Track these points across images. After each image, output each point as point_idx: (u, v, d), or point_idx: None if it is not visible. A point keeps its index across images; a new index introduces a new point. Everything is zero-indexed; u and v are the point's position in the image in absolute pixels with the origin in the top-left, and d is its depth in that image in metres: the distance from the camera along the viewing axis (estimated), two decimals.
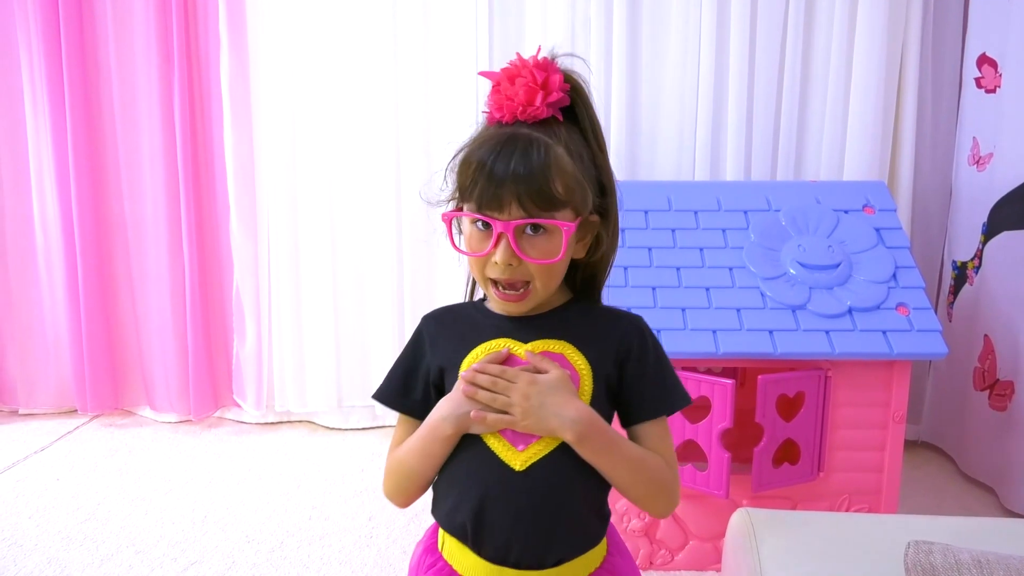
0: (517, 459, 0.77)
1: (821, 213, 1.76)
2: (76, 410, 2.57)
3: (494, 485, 0.77)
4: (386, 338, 2.45)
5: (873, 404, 1.62)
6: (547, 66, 0.77)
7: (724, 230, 1.76)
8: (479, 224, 0.77)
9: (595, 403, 0.78)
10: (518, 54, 0.78)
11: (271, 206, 2.43)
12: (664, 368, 0.82)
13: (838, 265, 1.67)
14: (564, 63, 0.79)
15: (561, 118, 0.79)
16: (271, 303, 2.49)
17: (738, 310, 1.62)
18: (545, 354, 0.79)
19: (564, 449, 0.77)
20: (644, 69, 2.28)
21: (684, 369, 1.57)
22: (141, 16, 2.33)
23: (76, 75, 2.37)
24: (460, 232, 0.82)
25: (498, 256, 0.76)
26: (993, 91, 2.11)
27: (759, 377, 1.53)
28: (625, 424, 0.83)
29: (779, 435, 1.58)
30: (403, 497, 0.83)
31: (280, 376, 2.53)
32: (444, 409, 0.78)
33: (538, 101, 0.76)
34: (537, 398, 0.75)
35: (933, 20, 2.22)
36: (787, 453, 1.64)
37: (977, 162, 2.15)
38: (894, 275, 1.66)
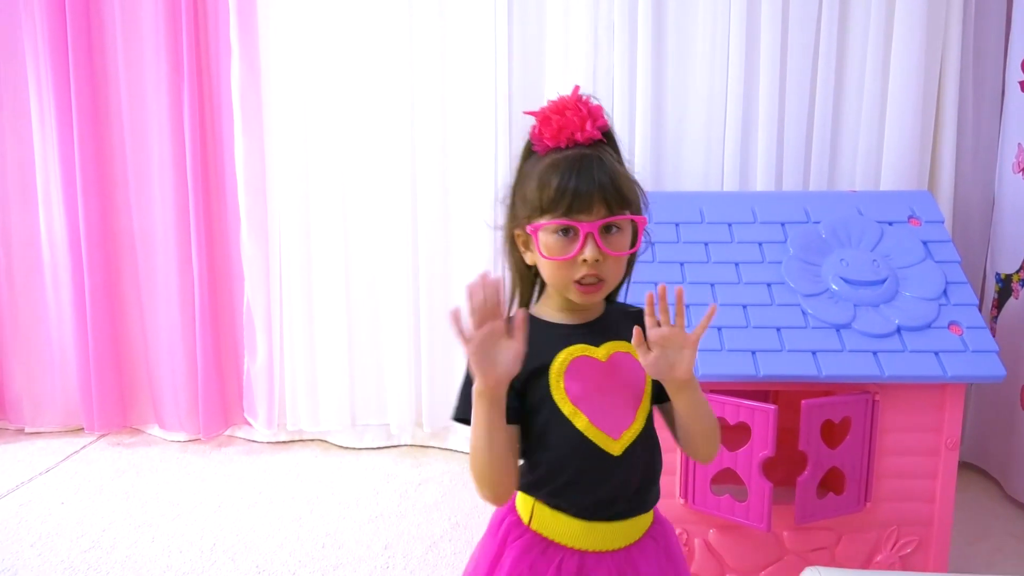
0: (615, 446, 0.90)
1: (864, 225, 1.66)
2: (83, 428, 2.50)
3: (598, 470, 0.90)
4: (401, 354, 2.36)
5: (924, 429, 1.51)
6: (586, 101, 0.92)
7: (760, 243, 1.66)
8: (560, 232, 0.88)
9: (653, 387, 0.94)
10: (559, 95, 0.93)
11: (283, 218, 2.36)
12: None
13: (884, 281, 1.57)
14: (593, 100, 0.94)
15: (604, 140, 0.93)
16: (283, 318, 2.41)
17: (778, 329, 1.52)
18: (616, 354, 0.93)
19: (645, 432, 0.94)
20: (670, 74, 2.18)
21: (720, 392, 1.47)
22: (150, 23, 2.27)
23: (83, 84, 2.30)
24: (526, 250, 0.93)
25: (587, 252, 0.87)
26: None
27: (803, 402, 1.43)
28: (665, 399, 0.96)
29: (824, 463, 1.48)
30: (496, 491, 0.89)
31: (292, 393, 2.44)
32: (477, 384, 0.86)
33: (589, 126, 0.90)
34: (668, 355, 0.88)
35: (975, 20, 2.11)
36: (831, 480, 1.53)
37: (1023, 170, 2.05)
38: (944, 291, 1.56)
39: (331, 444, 2.48)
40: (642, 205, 0.94)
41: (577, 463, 0.90)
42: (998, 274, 2.14)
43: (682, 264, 1.63)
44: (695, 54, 2.16)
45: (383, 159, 2.29)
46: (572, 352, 0.91)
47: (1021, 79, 2.04)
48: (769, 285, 1.59)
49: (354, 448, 2.46)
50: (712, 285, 1.59)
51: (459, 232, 2.30)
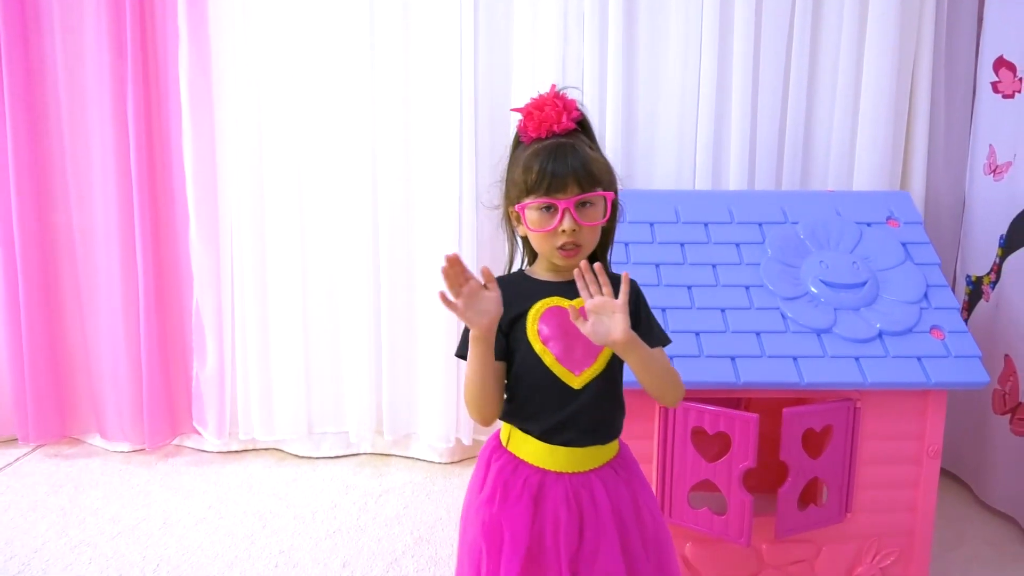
0: (575, 381, 1.06)
1: (842, 226, 1.61)
2: (16, 439, 2.33)
3: (560, 400, 1.06)
4: (361, 358, 2.25)
5: (906, 437, 1.47)
6: (562, 96, 1.08)
7: (738, 244, 1.60)
8: (543, 209, 1.04)
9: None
10: (540, 93, 1.09)
11: (235, 215, 2.23)
12: (652, 319, 1.12)
13: (864, 283, 1.52)
14: (570, 94, 1.09)
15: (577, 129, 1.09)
16: (235, 321, 2.28)
17: (758, 334, 1.46)
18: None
19: (605, 374, 1.08)
20: (641, 68, 2.12)
21: (699, 401, 1.40)
22: (91, 4, 2.12)
23: (16, 68, 2.14)
24: (518, 224, 1.09)
25: (565, 224, 1.03)
26: (1011, 96, 1.98)
27: (785, 411, 1.37)
28: None
29: (806, 473, 1.42)
30: (484, 413, 1.06)
31: (244, 401, 2.31)
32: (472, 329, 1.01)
33: (565, 119, 1.06)
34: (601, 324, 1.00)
35: (947, 21, 2.09)
36: (809, 491, 1.48)
37: (994, 171, 2.03)
38: (925, 294, 1.52)
39: (286, 453, 2.36)
40: (615, 183, 1.09)
41: (543, 392, 1.06)
42: (968, 276, 2.12)
43: (657, 266, 1.56)
44: (667, 49, 2.10)
45: (342, 153, 2.18)
46: (547, 302, 1.07)
47: (993, 80, 2.03)
48: (748, 288, 1.53)
49: (311, 457, 2.34)
50: (689, 288, 1.53)
51: (423, 230, 2.21)
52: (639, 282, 1.40)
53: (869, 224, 1.63)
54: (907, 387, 1.40)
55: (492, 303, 1.00)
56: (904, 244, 1.59)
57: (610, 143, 2.07)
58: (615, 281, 1.01)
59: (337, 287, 2.26)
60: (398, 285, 2.22)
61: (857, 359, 1.42)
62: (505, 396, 1.08)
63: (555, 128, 1.05)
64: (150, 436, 2.29)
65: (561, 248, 1.04)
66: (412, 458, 2.33)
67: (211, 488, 2.13)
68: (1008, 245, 1.95)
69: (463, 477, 2.20)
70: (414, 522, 1.96)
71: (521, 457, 1.07)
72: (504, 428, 1.11)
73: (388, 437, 2.31)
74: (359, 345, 2.25)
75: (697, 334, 1.45)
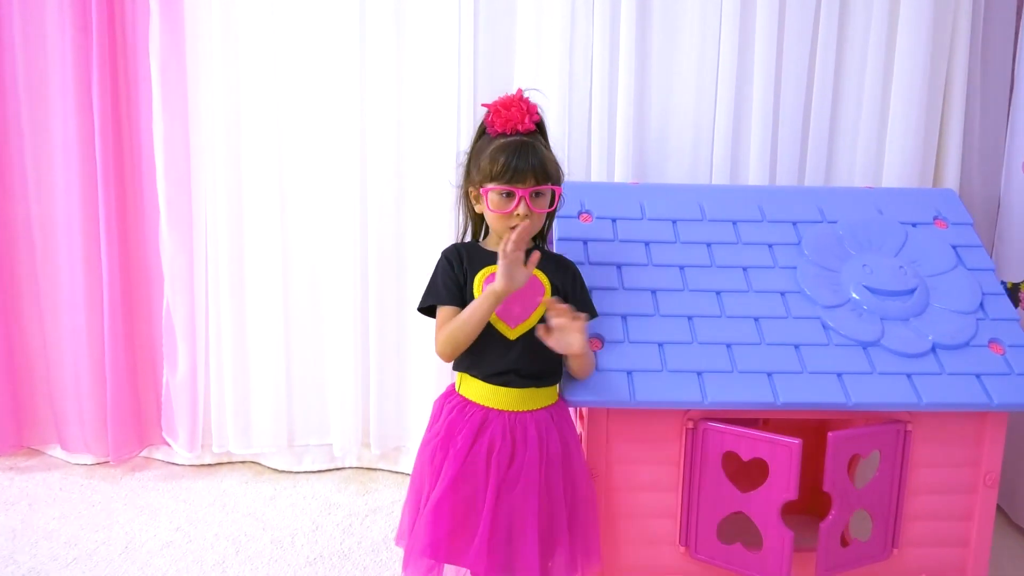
0: (511, 333, 1.24)
1: (885, 226, 1.45)
2: None
3: (499, 347, 1.24)
4: (347, 365, 2.07)
5: (961, 464, 1.31)
6: (526, 100, 1.27)
7: (771, 245, 1.44)
8: (504, 195, 1.23)
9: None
10: (507, 94, 1.29)
11: (210, 209, 2.03)
12: (587, 293, 1.30)
13: (913, 291, 1.36)
14: (533, 97, 1.29)
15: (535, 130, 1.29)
16: (208, 324, 2.09)
17: (796, 347, 1.29)
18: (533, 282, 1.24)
19: (536, 327, 1.22)
20: (655, 55, 1.94)
21: (730, 422, 1.23)
22: None
23: None
24: (477, 203, 1.29)
25: (520, 209, 1.22)
26: None
27: (830, 435, 1.21)
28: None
29: (852, 505, 1.26)
30: (455, 352, 1.24)
31: (219, 410, 2.12)
32: (496, 284, 1.19)
33: (527, 120, 1.26)
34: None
35: (985, 9, 1.94)
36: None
37: None
38: (981, 304, 1.36)
39: (264, 467, 2.17)
40: (561, 179, 1.30)
41: (486, 341, 1.24)
42: (1003, 283, 1.97)
43: (682, 268, 1.39)
44: (683, 34, 1.93)
45: (330, 143, 1.99)
46: (491, 268, 1.24)
47: None
48: (783, 294, 1.37)
49: (291, 472, 2.15)
50: (718, 293, 1.36)
51: (415, 229, 2.03)
52: (662, 287, 1.34)
53: (915, 224, 1.47)
54: (966, 408, 1.24)
55: (522, 276, 1.20)
56: (955, 247, 1.43)
57: (620, 133, 1.90)
58: (570, 268, 1.30)
59: (321, 288, 2.08)
60: (388, 286, 2.04)
61: (909, 376, 1.26)
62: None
63: (519, 127, 1.25)
64: (115, 448, 2.10)
65: (514, 228, 1.21)
66: (401, 473, 2.15)
67: (180, 507, 1.95)
68: None
69: None
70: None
71: (469, 398, 1.26)
72: (457, 377, 1.31)
73: (376, 450, 2.13)
74: (345, 350, 2.06)
75: (728, 346, 1.29)
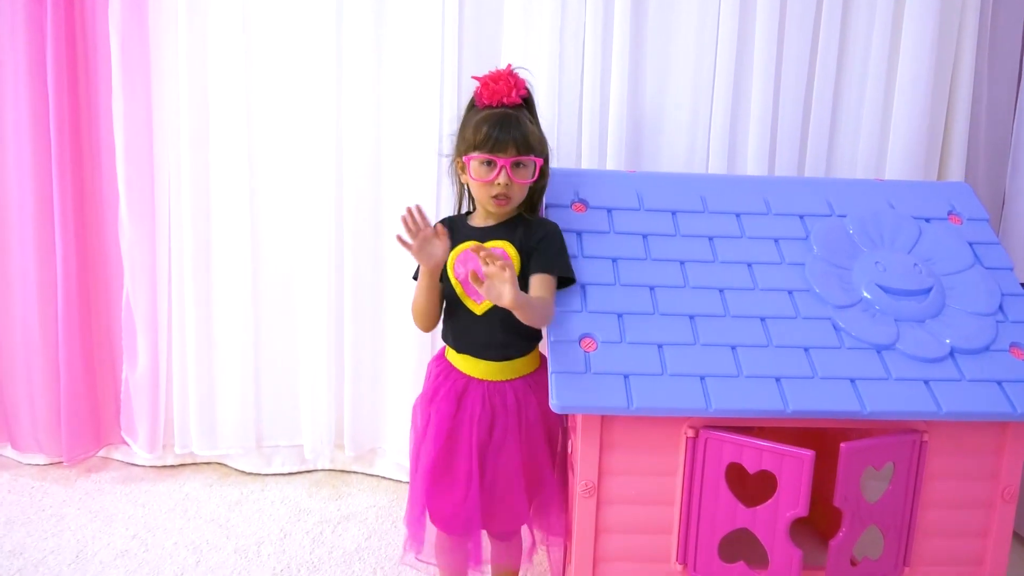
0: (478, 309, 1.30)
1: (898, 221, 1.36)
2: None
3: (468, 323, 1.31)
4: (320, 361, 1.94)
5: (977, 477, 1.22)
6: (515, 75, 1.31)
7: (777, 240, 1.34)
8: (485, 164, 1.26)
9: (522, 271, 1.27)
10: (497, 68, 1.32)
11: (174, 193, 1.90)
12: (560, 251, 1.28)
13: (929, 290, 1.27)
14: (521, 73, 1.33)
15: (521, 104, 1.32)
16: (171, 316, 1.96)
17: (807, 350, 1.20)
18: (495, 248, 1.26)
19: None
20: (650, 37, 1.84)
21: (735, 431, 1.14)
22: None
23: None
24: (463, 173, 1.32)
25: (500, 178, 1.25)
26: None
27: (843, 446, 1.11)
28: (529, 273, 1.27)
29: (863, 521, 1.16)
30: (420, 323, 1.35)
31: (182, 408, 2.00)
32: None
33: (514, 94, 1.29)
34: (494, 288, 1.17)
35: (992, 2, 1.86)
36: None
37: None
38: (1000, 305, 1.27)
39: (231, 469, 2.05)
40: (546, 152, 1.31)
41: (457, 315, 1.31)
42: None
43: (683, 263, 1.29)
44: (681, 15, 1.82)
45: (303, 126, 1.87)
46: (464, 246, 1.29)
47: None
48: (791, 292, 1.27)
49: (259, 474, 2.03)
50: (721, 291, 1.26)
51: (393, 216, 1.90)
52: (662, 283, 1.30)
53: (928, 220, 1.38)
54: (988, 418, 1.16)
55: (439, 249, 1.25)
56: (971, 244, 1.34)
57: (613, 119, 1.80)
58: (546, 227, 1.29)
59: (294, 279, 1.95)
60: (364, 279, 1.92)
61: (927, 382, 1.17)
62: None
63: (505, 100, 1.28)
64: (69, 447, 1.97)
65: (495, 197, 1.26)
66: (377, 476, 2.04)
67: (138, 512, 1.82)
68: None
69: None
70: (378, 557, 1.67)
71: (455, 365, 1.32)
72: (445, 345, 1.38)
73: (349, 452, 2.01)
74: (318, 345, 1.94)
75: (733, 348, 1.19)
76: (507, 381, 1.28)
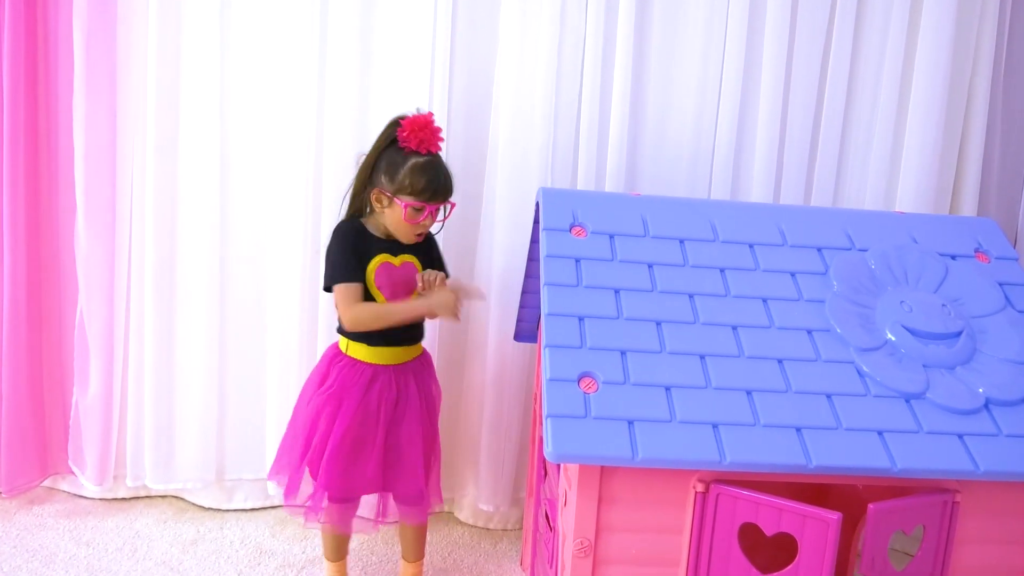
0: None
1: (922, 258, 1.26)
2: None
3: None
4: (289, 391, 1.80)
5: (1012, 540, 1.11)
6: (434, 121, 1.44)
7: (794, 274, 1.23)
8: (416, 208, 1.41)
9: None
10: (419, 111, 1.44)
11: (137, 204, 1.76)
12: (439, 255, 1.57)
13: (959, 334, 1.16)
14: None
15: None
16: (128, 337, 1.81)
17: (829, 396, 1.08)
18: (405, 263, 1.47)
19: None
20: (652, 57, 1.75)
21: (747, 486, 1.01)
22: None
23: None
24: (380, 204, 1.44)
25: (427, 222, 1.44)
26: None
27: (871, 507, 1.00)
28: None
29: None
30: (367, 329, 1.45)
31: (136, 436, 1.84)
32: (433, 305, 1.45)
33: (438, 143, 1.45)
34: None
35: (1008, 27, 1.79)
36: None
37: None
38: None
39: (188, 503, 1.89)
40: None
41: None
42: None
43: (692, 297, 1.18)
44: (685, 36, 1.74)
45: (280, 137, 1.74)
46: (381, 258, 1.45)
47: None
48: (810, 332, 1.16)
49: (219, 510, 1.87)
50: (735, 328, 1.14)
51: None
52: (669, 318, 1.19)
53: (954, 257, 1.28)
54: None
55: (446, 296, 1.45)
56: (1001, 284, 1.24)
57: (613, 140, 1.70)
58: (432, 238, 1.52)
59: (263, 302, 1.81)
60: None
61: (961, 437, 1.06)
62: None
63: (432, 148, 1.42)
64: (9, 477, 1.80)
65: (417, 234, 1.45)
66: None
67: (81, 551, 1.65)
68: None
69: None
70: None
71: (358, 358, 1.46)
72: (342, 341, 1.49)
73: None
74: (287, 374, 1.80)
75: (749, 393, 1.07)
76: (407, 363, 1.48)
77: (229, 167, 1.76)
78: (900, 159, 1.76)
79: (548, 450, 0.99)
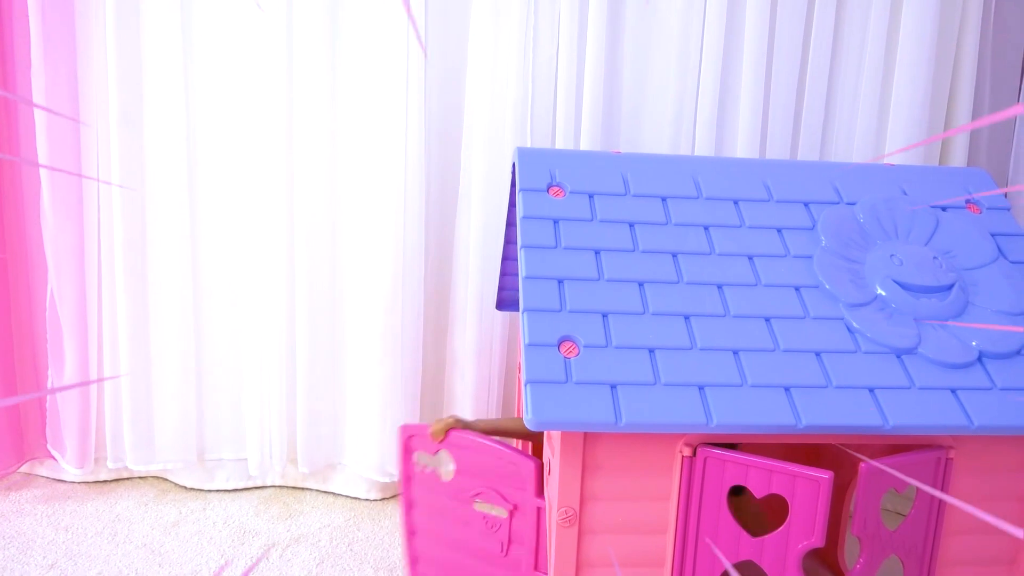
0: None
1: (913, 210, 1.22)
2: None
3: None
4: (271, 365, 1.76)
5: (1005, 497, 1.08)
6: None
7: (780, 230, 1.19)
8: None
9: None
10: None
11: (105, 179, 1.70)
12: None
13: (951, 287, 1.13)
14: None
15: None
16: (103, 316, 1.76)
17: (818, 354, 1.04)
18: None
19: None
20: (630, 14, 1.69)
21: (724, 448, 0.98)
22: None
23: None
24: None
25: None
26: None
27: (862, 466, 0.96)
28: None
29: (883, 551, 1.02)
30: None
31: (115, 418, 1.80)
32: None
33: None
34: None
35: None
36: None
37: None
38: None
39: (171, 484, 1.85)
40: None
41: None
42: None
43: (675, 255, 1.13)
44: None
45: (250, 106, 1.68)
46: None
47: None
48: (798, 289, 1.12)
49: (202, 490, 1.84)
50: (720, 287, 1.10)
51: (352, 208, 1.73)
52: (652, 278, 1.11)
53: (944, 209, 1.24)
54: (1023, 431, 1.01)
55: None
56: (993, 235, 1.21)
57: (588, 98, 1.64)
58: None
59: (240, 277, 1.77)
60: (320, 269, 1.74)
61: (954, 391, 1.03)
62: None
63: None
64: None
65: None
66: (332, 493, 1.86)
67: (60, 536, 1.62)
68: None
69: (395, 519, 1.74)
70: None
71: None
72: None
73: (304, 468, 1.83)
74: (268, 347, 1.76)
75: (736, 353, 1.03)
76: None
77: (197, 137, 1.70)
78: (888, 113, 1.72)
79: (528, 417, 0.95)
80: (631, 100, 1.71)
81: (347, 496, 1.84)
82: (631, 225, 1.16)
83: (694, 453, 1.00)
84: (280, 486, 1.86)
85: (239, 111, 1.69)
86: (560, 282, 1.08)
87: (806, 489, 0.95)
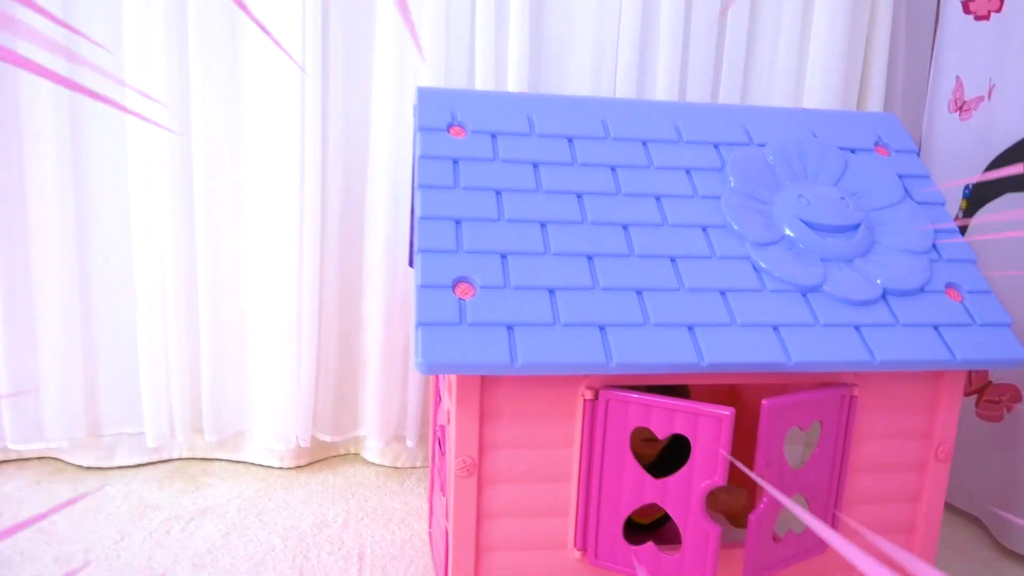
0: None
1: (822, 152, 1.20)
2: None
3: None
4: (169, 327, 1.65)
5: (910, 435, 1.08)
6: None
7: (688, 171, 1.15)
8: None
9: None
10: None
11: None
12: None
13: (857, 226, 1.11)
14: None
15: None
16: None
17: (723, 293, 1.02)
18: None
19: None
20: None
21: (633, 389, 0.95)
22: None
23: None
24: None
25: None
26: (987, 17, 1.65)
27: (764, 402, 0.94)
28: None
29: (787, 490, 1.00)
30: None
31: None
32: None
33: None
34: None
35: None
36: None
37: (960, 108, 1.69)
38: (934, 243, 1.13)
39: (66, 464, 1.73)
40: None
41: None
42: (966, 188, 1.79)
43: (580, 196, 1.09)
44: None
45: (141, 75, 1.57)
46: None
47: None
48: (705, 229, 1.09)
49: (100, 468, 1.73)
50: (625, 227, 1.06)
51: (250, 167, 1.63)
52: (555, 218, 1.06)
53: (853, 151, 1.23)
54: (926, 366, 1.01)
55: None
56: (900, 177, 1.20)
57: (514, 40, 1.58)
58: None
59: (136, 225, 1.65)
60: (220, 239, 1.64)
61: (858, 328, 1.01)
62: None
63: None
64: None
65: None
66: (243, 463, 1.77)
67: None
68: (975, 198, 1.63)
69: (308, 488, 1.67)
70: (234, 558, 1.41)
71: None
72: None
73: (210, 437, 1.74)
74: (163, 306, 1.65)
75: (639, 292, 0.99)
76: None
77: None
78: (805, 68, 1.71)
79: (418, 360, 0.89)
80: (553, 46, 1.66)
81: (259, 465, 1.76)
82: (535, 165, 1.11)
83: (596, 396, 0.96)
84: (187, 458, 1.77)
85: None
86: (458, 222, 1.02)
87: (708, 427, 0.92)
